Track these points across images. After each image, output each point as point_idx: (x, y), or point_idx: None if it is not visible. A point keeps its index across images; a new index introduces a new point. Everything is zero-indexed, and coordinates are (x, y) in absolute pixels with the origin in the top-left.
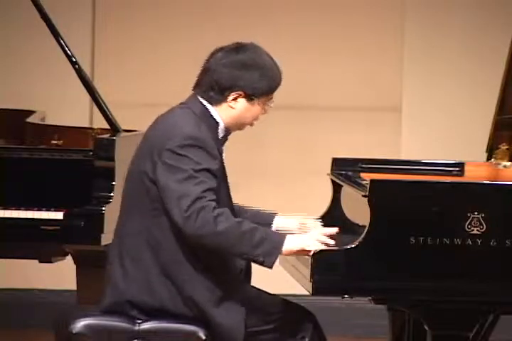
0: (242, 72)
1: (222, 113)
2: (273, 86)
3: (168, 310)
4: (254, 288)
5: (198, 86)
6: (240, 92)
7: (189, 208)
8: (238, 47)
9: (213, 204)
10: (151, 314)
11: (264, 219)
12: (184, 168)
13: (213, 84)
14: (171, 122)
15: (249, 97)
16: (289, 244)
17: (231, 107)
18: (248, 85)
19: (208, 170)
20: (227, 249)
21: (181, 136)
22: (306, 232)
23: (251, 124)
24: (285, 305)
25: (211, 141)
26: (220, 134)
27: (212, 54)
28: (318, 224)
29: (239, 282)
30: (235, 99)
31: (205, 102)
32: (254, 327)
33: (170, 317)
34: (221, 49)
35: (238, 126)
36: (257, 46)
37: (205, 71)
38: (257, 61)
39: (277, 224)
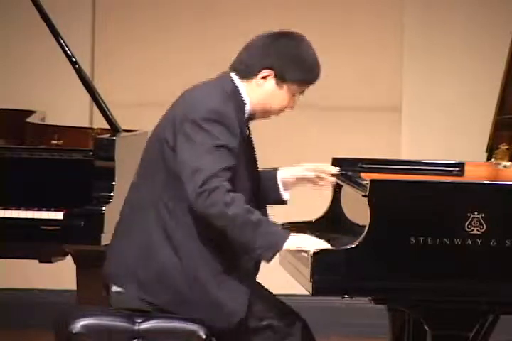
0: (281, 54)
1: (250, 91)
2: (307, 78)
3: (171, 287)
4: (258, 283)
5: (234, 61)
6: (271, 71)
7: (203, 184)
8: (284, 33)
9: (227, 186)
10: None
11: (267, 178)
12: (203, 142)
13: (248, 59)
14: (199, 94)
15: (279, 80)
16: (292, 243)
17: (259, 85)
18: (282, 67)
19: (226, 147)
20: (230, 234)
21: (206, 108)
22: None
23: (276, 113)
24: (277, 304)
25: (235, 120)
26: (246, 114)
27: (259, 35)
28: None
29: (248, 270)
30: (264, 78)
31: (235, 78)
32: (247, 322)
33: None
34: (268, 32)
35: (263, 111)
36: (305, 38)
37: (245, 48)
38: (301, 51)
39: (282, 178)
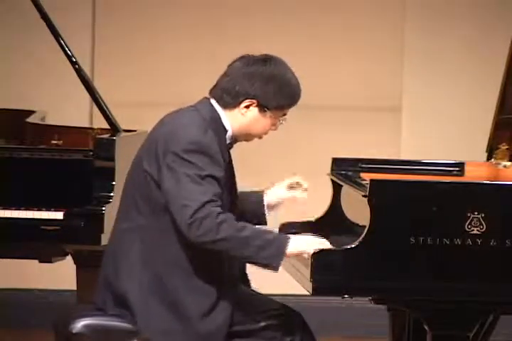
0: (261, 82)
1: (232, 119)
2: (289, 103)
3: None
4: (249, 289)
5: (215, 88)
6: (253, 101)
7: (192, 216)
8: (264, 59)
9: (217, 210)
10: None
11: (253, 201)
12: (188, 174)
13: (230, 88)
14: (178, 124)
15: (262, 108)
16: (293, 247)
17: (242, 114)
18: (264, 96)
19: (211, 177)
20: (231, 254)
21: (186, 140)
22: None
23: (259, 137)
24: (275, 306)
25: (216, 147)
26: (227, 141)
27: (237, 60)
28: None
29: (229, 286)
30: (247, 107)
31: (217, 106)
32: (244, 325)
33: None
34: (246, 57)
35: (246, 136)
36: (283, 62)
37: (226, 75)
38: (280, 75)
39: (269, 202)
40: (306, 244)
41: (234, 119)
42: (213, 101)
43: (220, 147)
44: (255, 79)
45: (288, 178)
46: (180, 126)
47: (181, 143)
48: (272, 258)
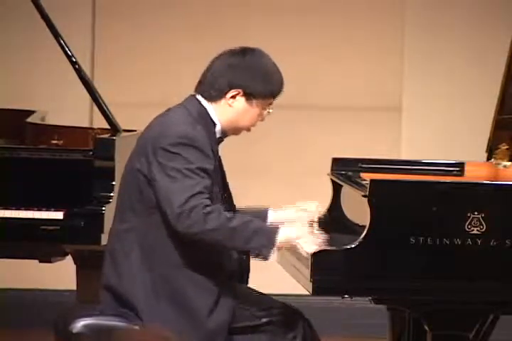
0: (244, 72)
1: (220, 112)
2: (273, 90)
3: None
4: (248, 288)
5: (199, 84)
6: (239, 90)
7: (181, 207)
8: (244, 50)
9: (206, 202)
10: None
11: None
12: (177, 167)
13: (214, 82)
14: (166, 121)
15: (249, 97)
16: (284, 236)
17: (229, 105)
18: (248, 85)
19: (201, 169)
20: (221, 245)
21: (174, 134)
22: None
23: (248, 129)
24: (276, 304)
25: (205, 140)
26: (217, 135)
27: (218, 55)
28: (316, 209)
29: (229, 282)
30: (233, 97)
31: (203, 101)
32: (245, 322)
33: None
34: (227, 51)
35: (235, 128)
36: (262, 52)
37: (208, 70)
38: (261, 65)
39: (272, 220)
40: (296, 235)
41: (222, 112)
42: (199, 97)
43: (210, 141)
44: (237, 69)
45: (300, 202)
46: (169, 124)
47: (169, 139)
48: (260, 249)
